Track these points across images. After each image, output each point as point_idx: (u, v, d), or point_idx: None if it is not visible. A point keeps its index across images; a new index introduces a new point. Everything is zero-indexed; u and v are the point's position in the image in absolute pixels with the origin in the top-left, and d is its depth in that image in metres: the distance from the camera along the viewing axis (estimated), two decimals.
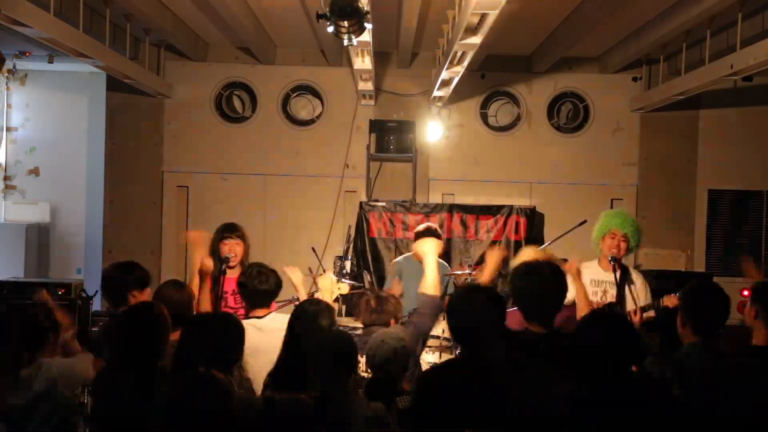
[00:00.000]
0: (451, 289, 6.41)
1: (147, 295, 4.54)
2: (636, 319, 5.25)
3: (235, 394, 2.85)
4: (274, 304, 4.82)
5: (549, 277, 3.56)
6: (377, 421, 3.32)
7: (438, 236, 6.56)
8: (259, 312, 4.55)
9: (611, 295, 5.47)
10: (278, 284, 4.62)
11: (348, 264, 8.13)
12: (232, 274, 5.30)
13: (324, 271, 6.91)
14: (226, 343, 3.47)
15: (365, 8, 4.86)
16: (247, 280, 4.58)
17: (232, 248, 5.45)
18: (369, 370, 3.88)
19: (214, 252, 5.42)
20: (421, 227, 6.80)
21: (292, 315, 4.01)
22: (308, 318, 3.93)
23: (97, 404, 3.62)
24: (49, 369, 3.70)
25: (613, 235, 5.56)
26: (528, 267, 3.69)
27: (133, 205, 9.32)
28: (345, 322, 6.09)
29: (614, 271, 5.42)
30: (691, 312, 3.72)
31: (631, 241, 5.59)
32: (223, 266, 5.20)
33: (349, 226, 8.63)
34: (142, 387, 3.39)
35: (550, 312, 3.54)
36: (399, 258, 7.25)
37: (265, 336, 4.22)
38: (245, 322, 3.88)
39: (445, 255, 8.45)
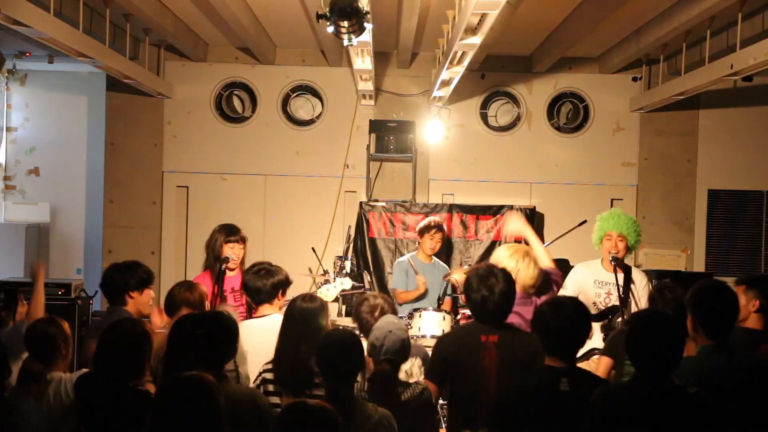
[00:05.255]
0: (450, 291, 6.38)
1: (147, 295, 4.56)
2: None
3: (222, 397, 2.86)
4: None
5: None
6: (383, 425, 3.31)
7: (442, 230, 6.77)
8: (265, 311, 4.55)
9: (616, 298, 5.37)
10: (276, 284, 4.58)
11: (348, 264, 8.12)
12: (231, 275, 5.54)
13: (325, 272, 6.92)
14: (217, 341, 3.48)
15: (365, 8, 4.86)
16: (248, 278, 4.62)
17: (237, 251, 5.60)
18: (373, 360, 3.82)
19: (216, 252, 5.57)
20: (423, 223, 7.05)
21: (286, 311, 4.03)
22: (301, 315, 3.93)
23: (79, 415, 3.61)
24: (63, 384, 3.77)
25: (609, 236, 5.52)
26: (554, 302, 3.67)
27: (133, 205, 9.31)
28: (344, 322, 6.05)
29: (615, 272, 5.39)
30: (701, 316, 3.57)
31: (630, 239, 5.52)
32: (224, 266, 5.40)
33: (349, 226, 8.62)
34: (116, 403, 3.44)
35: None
36: (403, 258, 7.21)
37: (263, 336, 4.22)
38: (245, 323, 3.89)
39: (446, 255, 8.48)
